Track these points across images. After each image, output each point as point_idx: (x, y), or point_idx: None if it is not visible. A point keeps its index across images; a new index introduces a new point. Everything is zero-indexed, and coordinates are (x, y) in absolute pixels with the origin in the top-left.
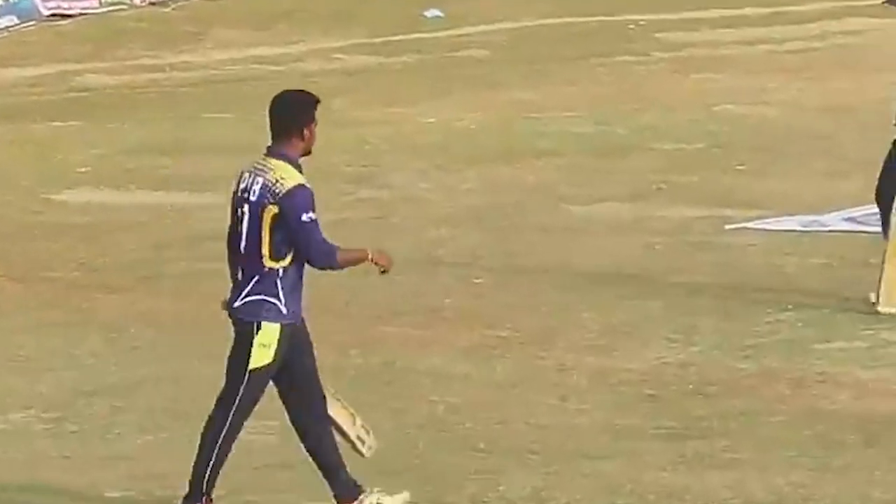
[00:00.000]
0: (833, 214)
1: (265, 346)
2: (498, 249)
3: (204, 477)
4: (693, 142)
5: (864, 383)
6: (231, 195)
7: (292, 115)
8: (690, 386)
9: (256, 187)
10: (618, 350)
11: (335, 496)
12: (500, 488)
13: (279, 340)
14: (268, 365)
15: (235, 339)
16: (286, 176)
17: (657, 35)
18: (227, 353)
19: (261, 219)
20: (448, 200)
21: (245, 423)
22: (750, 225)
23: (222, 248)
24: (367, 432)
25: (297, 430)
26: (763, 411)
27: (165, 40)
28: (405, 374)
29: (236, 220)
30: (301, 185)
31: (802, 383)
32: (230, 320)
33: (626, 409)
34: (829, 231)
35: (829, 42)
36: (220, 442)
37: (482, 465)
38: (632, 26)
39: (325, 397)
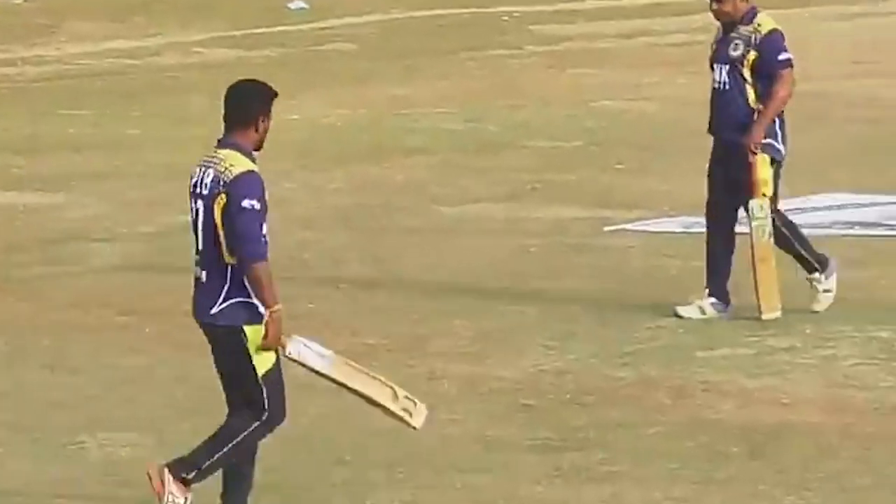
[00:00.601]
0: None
1: (263, 349)
2: (365, 252)
3: (197, 465)
4: (570, 139)
5: (748, 392)
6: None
7: (248, 105)
8: (567, 395)
9: (208, 180)
10: (491, 357)
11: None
12: (368, 502)
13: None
14: (276, 363)
15: (219, 349)
16: (235, 163)
17: (531, 28)
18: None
19: (213, 212)
20: (313, 201)
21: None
22: (629, 226)
23: (76, 250)
24: (414, 403)
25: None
26: (643, 422)
27: (17, 33)
28: None
29: (193, 219)
30: (249, 171)
31: (684, 392)
32: (203, 329)
33: (500, 420)
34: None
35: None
36: (235, 442)
37: (349, 478)
38: (505, 18)
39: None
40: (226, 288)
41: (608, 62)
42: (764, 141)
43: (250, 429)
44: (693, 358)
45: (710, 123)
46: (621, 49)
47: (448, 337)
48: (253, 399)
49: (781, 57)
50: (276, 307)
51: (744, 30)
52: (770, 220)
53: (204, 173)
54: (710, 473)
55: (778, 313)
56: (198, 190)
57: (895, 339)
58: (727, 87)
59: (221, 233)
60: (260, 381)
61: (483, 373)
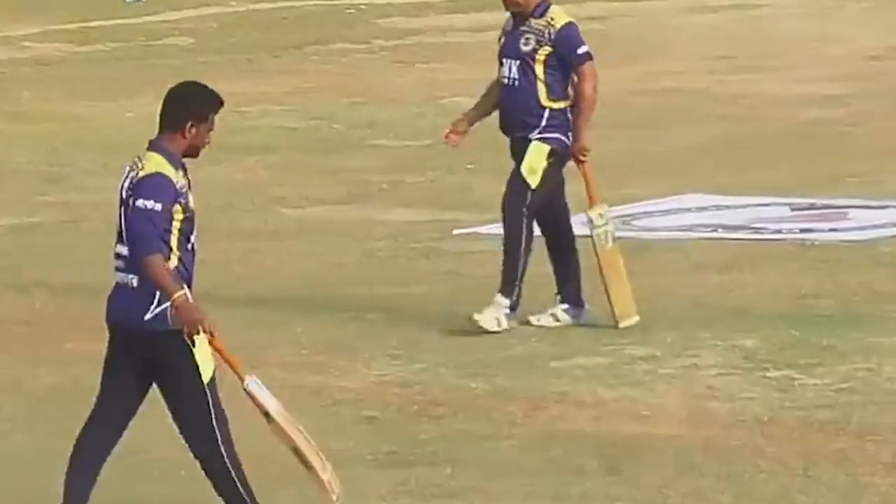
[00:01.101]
0: (572, 218)
1: (205, 354)
2: (202, 257)
3: None
4: (419, 138)
5: (605, 403)
6: None
7: (179, 108)
8: (414, 407)
9: (127, 182)
10: (333, 367)
11: None
12: None
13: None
14: (214, 373)
15: (156, 361)
16: (149, 166)
17: (379, 21)
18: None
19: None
20: None
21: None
22: (481, 230)
23: None
24: (335, 482)
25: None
26: (494, 435)
27: None
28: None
29: (118, 222)
30: (155, 173)
31: (538, 404)
32: (127, 336)
33: (343, 432)
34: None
35: None
36: (232, 471)
37: (182, 496)
38: (351, 11)
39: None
40: (159, 293)
41: (459, 57)
42: (551, 135)
43: (223, 455)
44: (547, 367)
45: (500, 121)
46: (473, 43)
47: (289, 345)
48: (199, 414)
49: (580, 51)
50: (176, 294)
51: (536, 24)
52: (612, 226)
53: (127, 176)
54: (564, 489)
55: (635, 319)
56: (121, 193)
57: (759, 347)
58: (517, 83)
59: None
60: (205, 389)
61: (326, 383)
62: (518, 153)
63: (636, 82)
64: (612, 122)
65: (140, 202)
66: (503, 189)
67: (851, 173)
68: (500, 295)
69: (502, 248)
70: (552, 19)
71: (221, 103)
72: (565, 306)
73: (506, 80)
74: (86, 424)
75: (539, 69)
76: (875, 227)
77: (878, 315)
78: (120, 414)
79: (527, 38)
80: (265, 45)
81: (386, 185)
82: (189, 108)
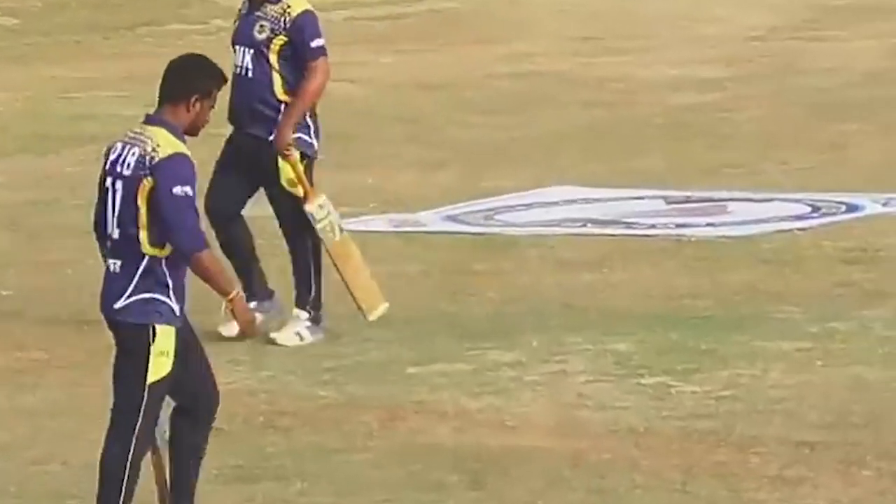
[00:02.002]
0: (430, 212)
1: (163, 355)
2: (31, 256)
3: None
4: None
5: (468, 413)
6: (100, 174)
7: (183, 80)
8: (261, 418)
9: (131, 159)
10: None
11: None
12: None
13: (176, 346)
14: (167, 375)
15: (120, 349)
16: (164, 143)
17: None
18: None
19: (136, 196)
20: None
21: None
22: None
23: None
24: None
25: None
26: (347, 447)
27: None
28: None
29: (105, 200)
30: (179, 154)
31: (395, 414)
32: (107, 325)
33: None
34: (427, 232)
35: (423, 7)
36: (125, 475)
37: None
38: None
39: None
40: (135, 281)
41: None
42: (293, 135)
43: (130, 450)
44: (404, 374)
45: (229, 112)
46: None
47: None
48: (129, 407)
49: (314, 44)
50: (234, 293)
51: (272, 10)
52: (336, 216)
53: (127, 151)
54: None
55: (383, 307)
56: (117, 168)
57: (633, 352)
58: (250, 73)
59: (144, 220)
60: (146, 388)
61: None
62: (247, 152)
63: (494, 64)
64: (470, 107)
65: (177, 189)
66: (354, 181)
67: (730, 163)
68: (297, 309)
69: (291, 264)
70: (288, 6)
71: (225, 80)
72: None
73: (238, 70)
74: (107, 436)
75: (274, 59)
76: (756, 221)
77: (761, 316)
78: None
79: (261, 25)
80: (94, 26)
81: None
82: (194, 81)
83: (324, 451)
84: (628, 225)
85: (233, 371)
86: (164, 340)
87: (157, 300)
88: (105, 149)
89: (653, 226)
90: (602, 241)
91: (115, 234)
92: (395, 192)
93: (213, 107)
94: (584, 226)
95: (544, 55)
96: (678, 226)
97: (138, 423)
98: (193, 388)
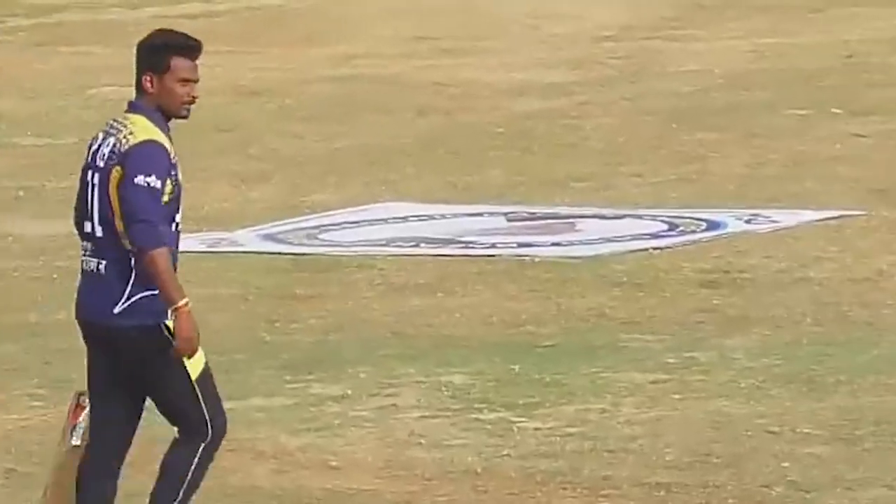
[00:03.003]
0: (247, 231)
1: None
2: None
3: None
4: (62, 135)
5: (288, 452)
6: (82, 169)
7: (138, 58)
8: None
9: (106, 149)
10: None
11: None
12: None
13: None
14: (206, 365)
15: (126, 357)
16: (138, 130)
17: None
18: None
19: (108, 188)
20: None
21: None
22: None
23: None
24: None
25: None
26: None
27: None
28: None
29: (84, 196)
30: (150, 141)
31: None
32: (95, 334)
33: None
34: (244, 252)
35: (241, 5)
36: (190, 479)
37: None
38: None
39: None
40: (132, 280)
41: (113, 39)
42: None
43: (198, 455)
44: None
45: None
46: (126, 22)
47: None
48: (188, 414)
49: None
50: (181, 301)
51: None
52: None
53: (104, 142)
54: None
55: None
56: (96, 161)
57: (470, 384)
58: None
59: (117, 213)
60: (195, 386)
61: None
62: None
63: (319, 68)
64: (292, 115)
65: (139, 178)
66: None
67: (579, 176)
68: None
69: None
70: None
71: (188, 46)
72: None
73: None
74: (83, 458)
75: None
76: (607, 240)
77: (613, 345)
78: (117, 435)
79: None
80: None
81: (22, 192)
82: (142, 59)
83: (129, 493)
84: (466, 244)
85: (29, 406)
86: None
87: (157, 297)
88: (89, 141)
89: (493, 245)
90: (437, 262)
91: (98, 232)
92: (209, 209)
93: (183, 80)
94: (417, 245)
95: (375, 57)
96: (521, 245)
97: (210, 429)
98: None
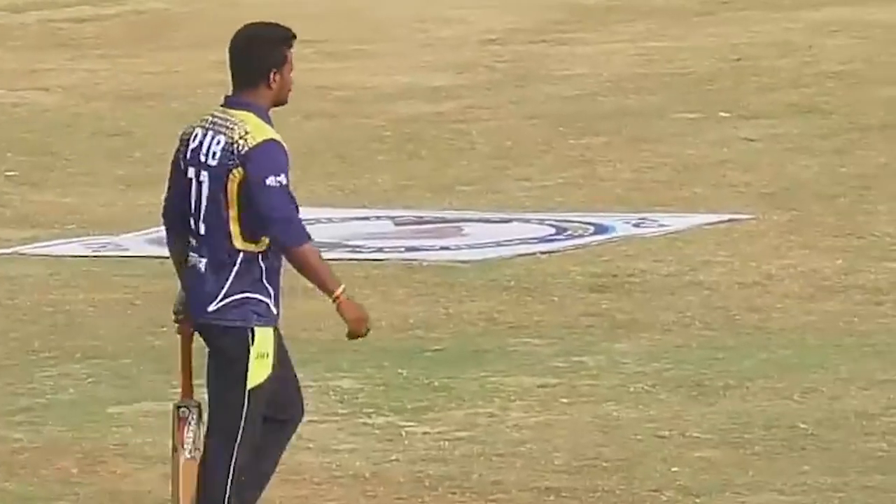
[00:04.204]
0: (134, 235)
1: (264, 357)
2: None
3: None
4: None
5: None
6: (174, 162)
7: (255, 56)
8: None
9: (217, 147)
10: None
11: None
12: None
13: (274, 347)
14: (268, 378)
15: (215, 355)
16: (253, 130)
17: None
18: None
19: (225, 188)
20: None
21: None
22: (24, 249)
23: None
24: None
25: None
26: (45, 495)
27: None
28: None
29: (185, 192)
30: (271, 140)
31: (96, 458)
32: (199, 331)
33: None
34: (130, 257)
35: (128, 8)
36: (228, 486)
37: None
38: None
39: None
40: (230, 280)
41: None
42: None
43: (233, 460)
44: (106, 415)
45: None
46: (10, 26)
47: None
48: (230, 416)
49: None
50: (340, 289)
51: None
52: None
53: (211, 139)
54: None
55: None
56: (201, 158)
57: (358, 389)
58: None
59: (234, 213)
60: (245, 393)
61: None
62: None
63: (207, 72)
64: (179, 120)
65: (270, 179)
66: (49, 200)
67: (465, 181)
68: None
69: None
70: None
71: (294, 35)
72: None
73: None
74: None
75: None
76: (495, 244)
77: (502, 349)
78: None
79: None
80: None
81: None
82: (265, 57)
83: (19, 499)
84: (353, 248)
85: None
86: (264, 342)
87: (255, 299)
88: (181, 134)
89: (380, 249)
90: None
91: (202, 230)
92: (95, 213)
93: (292, 69)
94: None
95: None
96: (408, 249)
97: (240, 434)
98: (284, 398)
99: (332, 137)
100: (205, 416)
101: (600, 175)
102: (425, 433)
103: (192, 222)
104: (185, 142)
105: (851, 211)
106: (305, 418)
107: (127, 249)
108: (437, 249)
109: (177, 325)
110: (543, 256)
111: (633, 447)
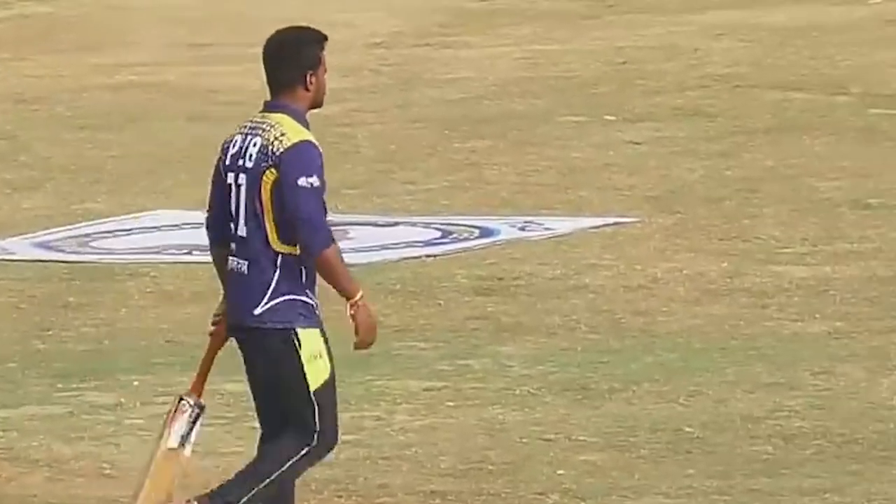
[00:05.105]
0: (19, 239)
1: (318, 358)
2: None
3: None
4: None
5: (63, 461)
6: (215, 172)
7: (289, 59)
8: None
9: (253, 150)
10: None
11: None
12: None
13: (327, 347)
14: (330, 376)
15: (262, 357)
16: (288, 131)
17: None
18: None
19: (261, 190)
20: None
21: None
22: None
23: None
24: None
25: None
26: None
27: None
28: None
29: (226, 199)
30: (305, 142)
31: None
32: (240, 335)
33: None
34: (15, 261)
35: (13, 12)
36: (279, 473)
37: None
38: None
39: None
40: (274, 282)
41: None
42: None
43: (298, 456)
44: None
45: None
46: None
47: None
48: (302, 419)
49: None
50: (358, 295)
51: None
52: None
53: (249, 142)
54: None
55: None
56: (240, 162)
57: (242, 392)
58: None
59: (269, 215)
60: (312, 396)
61: None
62: None
63: (91, 76)
64: (63, 123)
65: (302, 180)
66: None
67: (350, 184)
68: None
69: None
70: None
71: (326, 37)
72: None
73: None
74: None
75: None
76: (380, 248)
77: (386, 353)
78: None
79: None
80: None
81: None
82: (300, 59)
83: None
84: None
85: None
86: (311, 343)
87: (299, 300)
88: (222, 143)
89: None
90: (210, 269)
91: (243, 233)
92: None
93: (325, 70)
94: (190, 253)
95: (148, 65)
96: None
97: (317, 437)
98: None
99: (219, 140)
100: (203, 419)
101: (486, 178)
102: None
103: (233, 227)
104: (224, 149)
105: (737, 214)
106: None
107: (14, 253)
108: None
109: (212, 326)
110: (429, 260)
111: (519, 450)
